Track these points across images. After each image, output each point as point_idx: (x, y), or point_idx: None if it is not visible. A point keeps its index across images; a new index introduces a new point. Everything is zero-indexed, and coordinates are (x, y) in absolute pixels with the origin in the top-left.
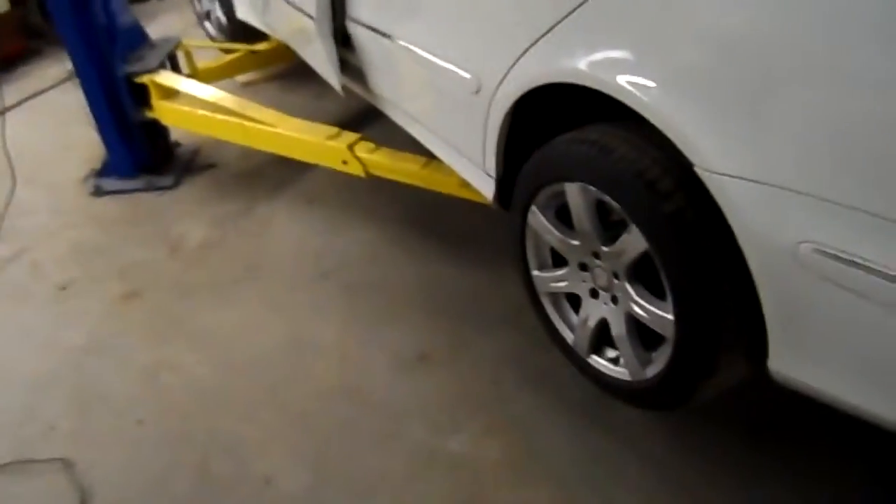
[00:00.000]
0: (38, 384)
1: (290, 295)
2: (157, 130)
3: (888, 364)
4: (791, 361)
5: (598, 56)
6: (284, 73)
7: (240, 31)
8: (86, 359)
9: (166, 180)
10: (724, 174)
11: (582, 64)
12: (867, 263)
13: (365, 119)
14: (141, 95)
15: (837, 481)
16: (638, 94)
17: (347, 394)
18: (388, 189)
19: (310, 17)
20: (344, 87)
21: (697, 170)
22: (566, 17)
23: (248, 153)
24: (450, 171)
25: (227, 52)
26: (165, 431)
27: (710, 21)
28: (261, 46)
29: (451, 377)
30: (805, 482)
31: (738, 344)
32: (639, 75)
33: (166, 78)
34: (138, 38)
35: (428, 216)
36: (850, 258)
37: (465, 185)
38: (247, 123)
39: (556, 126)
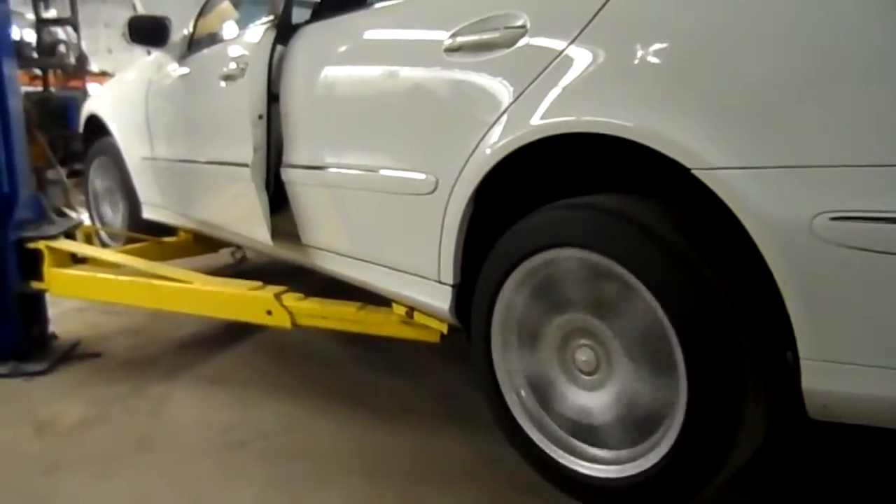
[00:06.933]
0: None
1: (193, 464)
2: (34, 316)
3: None
4: (828, 370)
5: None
6: None
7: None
8: None
9: (38, 366)
10: (725, 168)
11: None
12: (882, 215)
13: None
14: (29, 265)
15: None
16: (629, 113)
17: None
18: (298, 365)
19: (243, 165)
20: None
21: (696, 172)
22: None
23: (138, 343)
24: (388, 312)
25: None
26: None
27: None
28: (168, 239)
29: None
30: None
31: (758, 392)
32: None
33: (64, 244)
34: (38, 212)
35: (351, 387)
36: (866, 216)
37: (407, 322)
38: (156, 282)
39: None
